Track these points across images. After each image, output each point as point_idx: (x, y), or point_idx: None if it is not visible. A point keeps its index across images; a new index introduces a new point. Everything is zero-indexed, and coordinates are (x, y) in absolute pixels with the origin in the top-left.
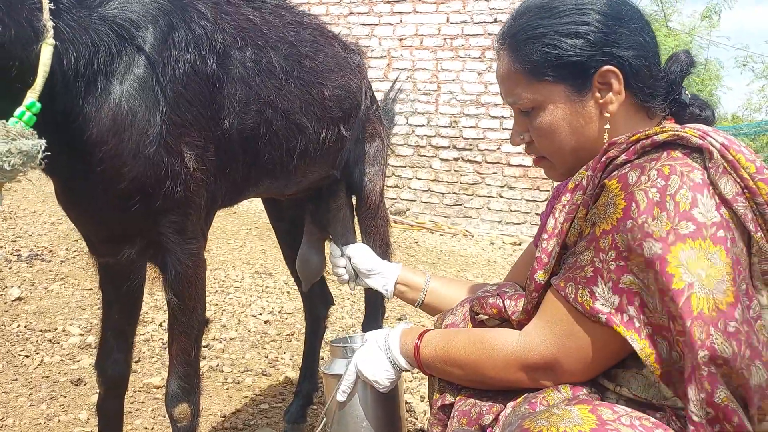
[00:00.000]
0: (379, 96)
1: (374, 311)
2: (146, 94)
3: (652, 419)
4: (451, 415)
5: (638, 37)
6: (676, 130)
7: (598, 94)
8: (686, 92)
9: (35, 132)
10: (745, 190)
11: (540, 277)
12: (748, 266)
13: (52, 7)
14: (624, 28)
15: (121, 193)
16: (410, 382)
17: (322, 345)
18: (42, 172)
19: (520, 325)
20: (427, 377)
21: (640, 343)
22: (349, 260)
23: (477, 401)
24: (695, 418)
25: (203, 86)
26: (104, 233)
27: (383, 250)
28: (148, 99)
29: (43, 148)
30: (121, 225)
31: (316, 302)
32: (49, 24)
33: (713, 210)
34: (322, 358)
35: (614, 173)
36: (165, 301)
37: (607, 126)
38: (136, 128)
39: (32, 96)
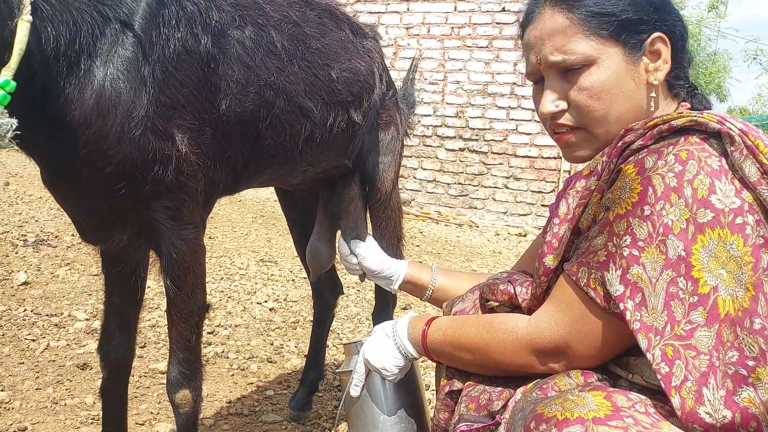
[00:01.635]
0: None
1: (384, 302)
2: (132, 74)
3: (667, 407)
4: (459, 400)
5: (679, 13)
6: (694, 116)
7: (646, 60)
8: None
9: (5, 111)
10: (765, 175)
11: (549, 261)
12: None
13: None
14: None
15: (108, 177)
16: None
17: (331, 341)
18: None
19: (530, 312)
20: (433, 366)
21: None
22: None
23: (486, 387)
24: (708, 420)
25: (196, 66)
26: (93, 219)
27: (394, 243)
28: (134, 80)
29: (14, 127)
30: (109, 210)
31: (325, 290)
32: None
33: (732, 195)
34: (328, 347)
35: (630, 158)
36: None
37: (653, 94)
38: (120, 110)
39: (7, 74)
